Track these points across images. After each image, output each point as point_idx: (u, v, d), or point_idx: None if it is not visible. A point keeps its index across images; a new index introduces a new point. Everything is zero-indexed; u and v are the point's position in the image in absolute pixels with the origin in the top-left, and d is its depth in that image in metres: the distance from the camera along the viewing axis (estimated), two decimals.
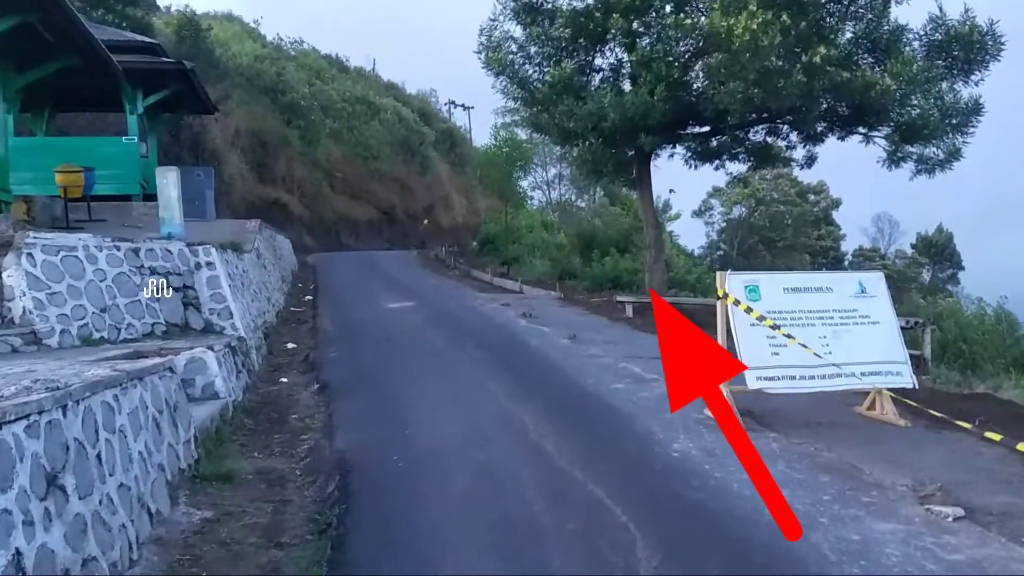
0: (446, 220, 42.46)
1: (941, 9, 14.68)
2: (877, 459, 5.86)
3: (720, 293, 7.31)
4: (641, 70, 15.51)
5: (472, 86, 69.39)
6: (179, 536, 4.62)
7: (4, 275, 7.52)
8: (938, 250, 56.62)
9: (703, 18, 15.16)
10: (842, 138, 16.77)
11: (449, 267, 27.76)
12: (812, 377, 7.03)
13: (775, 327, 7.06)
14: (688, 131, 17.67)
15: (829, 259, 52.25)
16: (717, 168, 18.91)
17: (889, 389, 7.17)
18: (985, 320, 12.20)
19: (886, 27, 14.99)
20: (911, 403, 7.02)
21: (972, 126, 14.85)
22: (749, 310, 7.12)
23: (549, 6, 16.50)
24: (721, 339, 7.23)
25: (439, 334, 12.70)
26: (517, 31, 16.91)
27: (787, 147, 18.29)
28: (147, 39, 18.41)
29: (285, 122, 31.37)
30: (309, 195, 32.48)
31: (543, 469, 5.76)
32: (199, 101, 18.38)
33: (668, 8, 15.72)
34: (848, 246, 57.10)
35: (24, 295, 7.47)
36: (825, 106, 15.65)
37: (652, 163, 18.63)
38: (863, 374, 7.05)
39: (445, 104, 54.59)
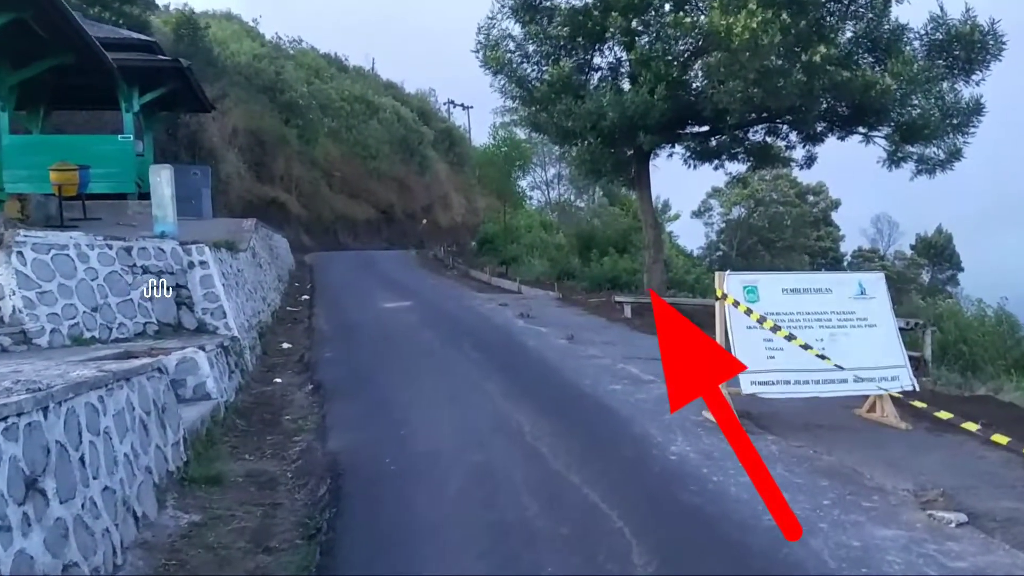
0: (445, 220, 42.35)
1: (942, 8, 14.65)
2: (878, 463, 5.77)
3: (719, 293, 7.22)
4: (640, 69, 15.42)
5: (471, 86, 69.59)
6: (165, 540, 4.52)
7: None
8: (937, 251, 56.55)
9: (702, 17, 15.08)
10: (842, 138, 16.71)
11: (447, 267, 27.66)
12: (807, 382, 6.94)
13: (775, 328, 6.97)
14: (687, 130, 17.59)
15: (828, 260, 52.19)
16: (716, 168, 18.88)
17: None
18: (985, 321, 12.13)
19: (887, 26, 14.94)
20: (917, 404, 6.91)
21: (973, 126, 14.80)
22: (749, 311, 7.03)
23: (548, 4, 16.42)
24: (720, 340, 7.14)
25: (436, 334, 12.61)
26: (515, 29, 16.86)
27: (787, 147, 18.25)
28: (143, 37, 18.33)
29: (283, 121, 31.25)
30: (307, 194, 32.35)
31: (538, 472, 5.67)
32: (196, 99, 18.28)
33: (667, 7, 15.65)
34: (847, 247, 57.11)
35: (14, 294, 7.38)
36: (825, 106, 15.59)
37: (651, 163, 18.56)
38: (857, 380, 6.93)
39: (444, 103, 54.53)
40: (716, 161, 18.44)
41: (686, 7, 15.41)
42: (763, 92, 14.00)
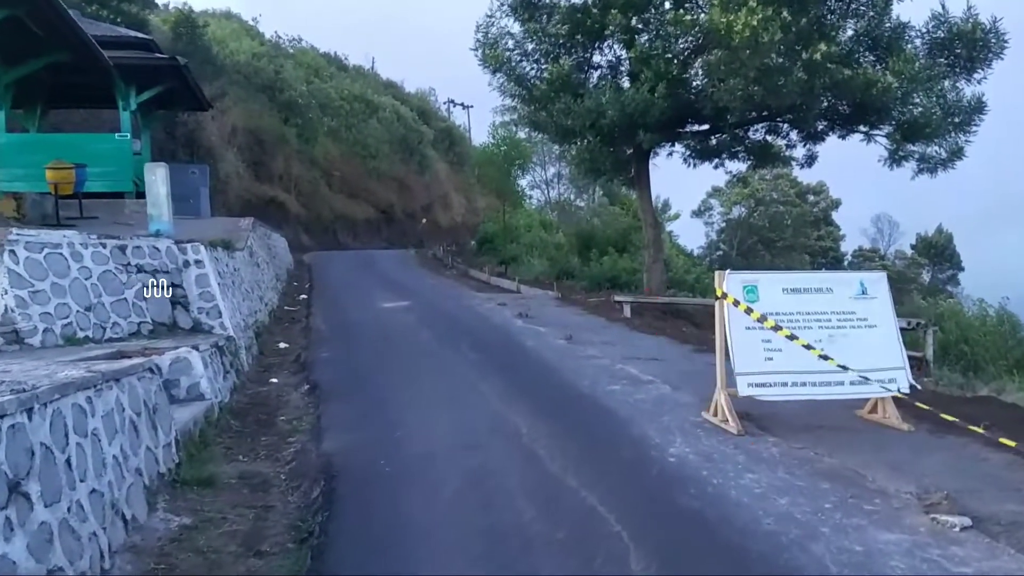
0: (444, 219, 42.27)
1: (944, 6, 14.55)
2: (880, 465, 5.68)
3: (719, 293, 7.13)
4: (640, 67, 15.34)
5: (471, 85, 69.54)
6: (155, 544, 4.44)
7: None
8: (938, 251, 56.44)
9: (703, 14, 14.99)
10: (843, 137, 16.62)
11: (447, 266, 27.58)
12: (804, 384, 6.84)
13: (776, 328, 6.88)
14: (687, 129, 17.50)
15: (828, 259, 52.05)
16: (716, 167, 18.78)
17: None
18: (987, 321, 12.08)
19: (888, 24, 14.85)
20: (919, 405, 6.82)
21: (975, 125, 14.71)
22: (749, 311, 6.94)
23: (547, 2, 16.33)
24: (720, 340, 7.06)
25: (434, 334, 12.53)
26: (514, 27, 16.78)
27: (787, 146, 18.15)
28: (140, 35, 18.23)
29: (283, 120, 31.17)
30: (306, 194, 32.27)
31: (535, 475, 5.59)
32: (194, 98, 18.18)
33: (667, 4, 15.58)
34: (848, 247, 56.96)
35: (6, 293, 7.29)
36: (826, 104, 15.49)
37: (651, 161, 18.47)
38: (854, 382, 6.83)
39: (444, 103, 54.44)
40: (716, 160, 18.35)
41: (686, 4, 15.34)
42: (763, 90, 13.92)
